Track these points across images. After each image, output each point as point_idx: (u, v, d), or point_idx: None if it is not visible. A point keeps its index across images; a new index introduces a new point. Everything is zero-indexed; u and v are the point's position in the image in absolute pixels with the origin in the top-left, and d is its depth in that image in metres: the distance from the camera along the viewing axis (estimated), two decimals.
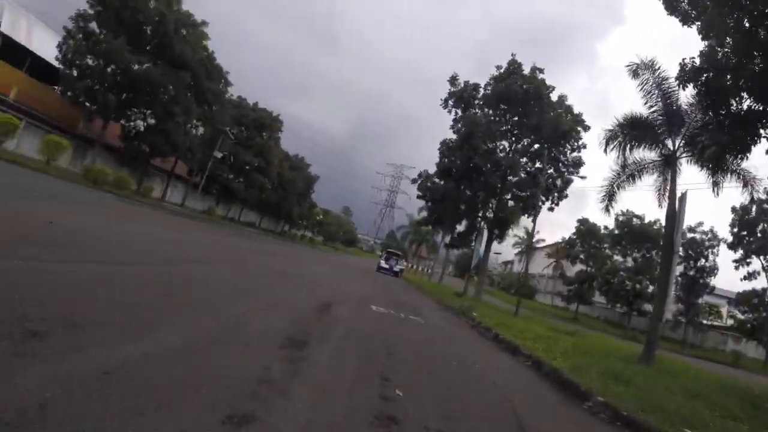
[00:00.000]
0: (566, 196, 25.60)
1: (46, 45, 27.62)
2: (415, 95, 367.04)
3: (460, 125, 24.93)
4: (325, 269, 21.85)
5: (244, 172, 46.41)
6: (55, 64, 27.31)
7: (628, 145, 12.81)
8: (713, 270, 36.95)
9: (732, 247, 34.36)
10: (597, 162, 28.99)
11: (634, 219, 39.77)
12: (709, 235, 36.80)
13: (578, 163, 24.92)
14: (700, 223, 37.29)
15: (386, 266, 38.32)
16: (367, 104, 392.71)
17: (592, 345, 11.20)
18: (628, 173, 13.14)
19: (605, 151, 13.04)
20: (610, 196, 13.68)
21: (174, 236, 13.56)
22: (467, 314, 14.45)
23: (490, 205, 25.46)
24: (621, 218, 40.06)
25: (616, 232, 41.69)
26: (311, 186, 67.83)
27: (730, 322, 38.52)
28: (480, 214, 26.06)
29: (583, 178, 24.47)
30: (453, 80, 25.71)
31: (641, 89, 11.83)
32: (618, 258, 41.93)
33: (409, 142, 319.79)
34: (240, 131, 46.09)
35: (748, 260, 33.32)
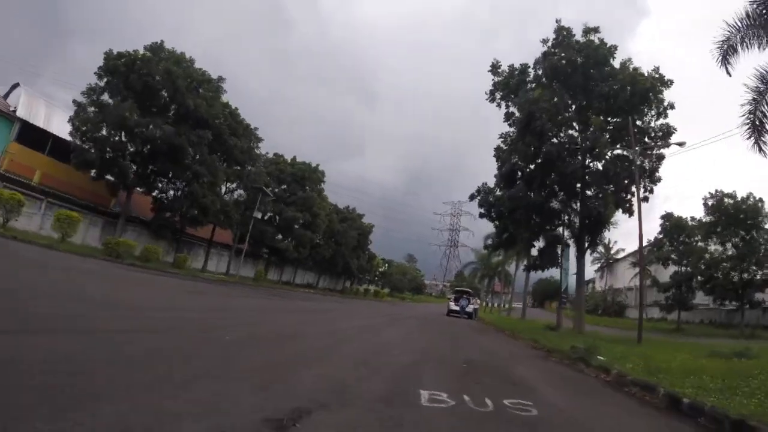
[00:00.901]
0: (660, 180, 20.03)
1: (66, 127, 26.81)
2: (461, 131, 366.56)
3: (516, 113, 20.28)
4: (370, 323, 16.69)
5: (291, 230, 43.47)
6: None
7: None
8: None
9: None
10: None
11: (726, 199, 33.25)
12: None
13: (668, 132, 19.39)
14: None
15: (457, 308, 33.20)
16: (415, 150, 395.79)
17: None
18: None
19: (727, 71, 10.23)
20: (757, 128, 9.76)
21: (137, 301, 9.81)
22: (587, 361, 9.20)
23: (574, 206, 20.10)
24: (710, 202, 34.29)
25: (707, 218, 35.15)
26: (367, 237, 64.30)
27: None
28: (563, 220, 20.68)
29: (680, 144, 18.61)
30: (495, 68, 21.23)
31: None
32: (716, 247, 35.06)
33: (465, 179, 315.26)
34: (281, 189, 43.75)
35: None
